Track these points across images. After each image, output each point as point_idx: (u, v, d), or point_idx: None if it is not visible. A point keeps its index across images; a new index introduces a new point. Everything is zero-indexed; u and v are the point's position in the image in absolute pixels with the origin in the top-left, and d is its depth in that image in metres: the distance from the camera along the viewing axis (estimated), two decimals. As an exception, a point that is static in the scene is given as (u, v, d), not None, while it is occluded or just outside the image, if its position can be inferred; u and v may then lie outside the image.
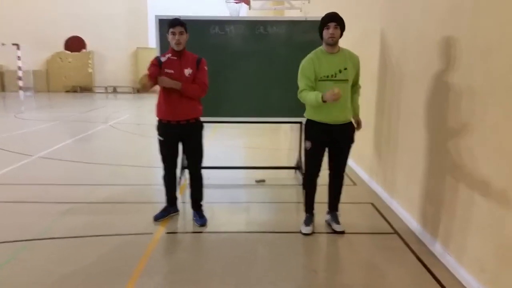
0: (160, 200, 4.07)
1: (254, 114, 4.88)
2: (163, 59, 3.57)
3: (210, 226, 3.77)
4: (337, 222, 3.69)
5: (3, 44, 16.54)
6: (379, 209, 4.22)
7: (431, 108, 3.36)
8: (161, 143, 3.72)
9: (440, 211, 3.18)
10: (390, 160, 4.36)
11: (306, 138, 3.52)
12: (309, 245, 3.46)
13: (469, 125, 2.77)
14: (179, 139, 3.72)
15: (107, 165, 6.00)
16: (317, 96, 3.19)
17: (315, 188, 3.68)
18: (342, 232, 3.62)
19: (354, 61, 3.42)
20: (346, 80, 3.35)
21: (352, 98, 3.51)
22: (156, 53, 4.38)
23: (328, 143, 3.51)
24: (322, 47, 3.39)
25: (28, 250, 3.27)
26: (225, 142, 7.96)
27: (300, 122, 4.82)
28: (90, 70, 18.97)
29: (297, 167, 5.43)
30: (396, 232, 3.67)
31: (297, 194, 4.79)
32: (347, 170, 3.72)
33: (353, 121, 3.55)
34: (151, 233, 3.58)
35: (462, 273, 2.79)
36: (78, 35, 18.70)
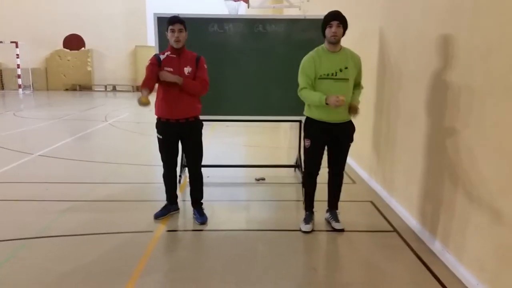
0: (160, 198, 4.08)
1: (253, 112, 4.88)
2: (162, 57, 3.55)
3: (210, 224, 3.78)
4: (337, 220, 3.70)
5: (1, 42, 16.50)
6: (379, 207, 4.23)
7: (430, 108, 3.36)
8: (161, 142, 3.72)
9: (439, 209, 3.19)
10: (389, 159, 4.37)
11: (306, 137, 3.53)
12: (309, 243, 3.47)
13: (468, 124, 2.78)
14: (179, 138, 3.72)
15: (106, 163, 6.00)
16: (321, 98, 3.21)
17: (315, 186, 3.69)
18: (342, 230, 3.64)
19: (355, 60, 3.42)
20: (346, 79, 3.35)
21: (353, 93, 3.49)
22: (155, 51, 4.37)
23: (328, 141, 3.52)
24: (324, 45, 3.40)
25: (27, 249, 3.27)
26: (224, 140, 7.96)
27: (300, 121, 4.83)
28: (89, 69, 18.90)
29: (296, 166, 5.45)
30: (395, 230, 3.68)
31: (296, 192, 4.80)
32: (346, 168, 3.73)
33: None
34: (151, 231, 3.58)
35: (462, 271, 2.81)
36: (77, 33, 18.63)
